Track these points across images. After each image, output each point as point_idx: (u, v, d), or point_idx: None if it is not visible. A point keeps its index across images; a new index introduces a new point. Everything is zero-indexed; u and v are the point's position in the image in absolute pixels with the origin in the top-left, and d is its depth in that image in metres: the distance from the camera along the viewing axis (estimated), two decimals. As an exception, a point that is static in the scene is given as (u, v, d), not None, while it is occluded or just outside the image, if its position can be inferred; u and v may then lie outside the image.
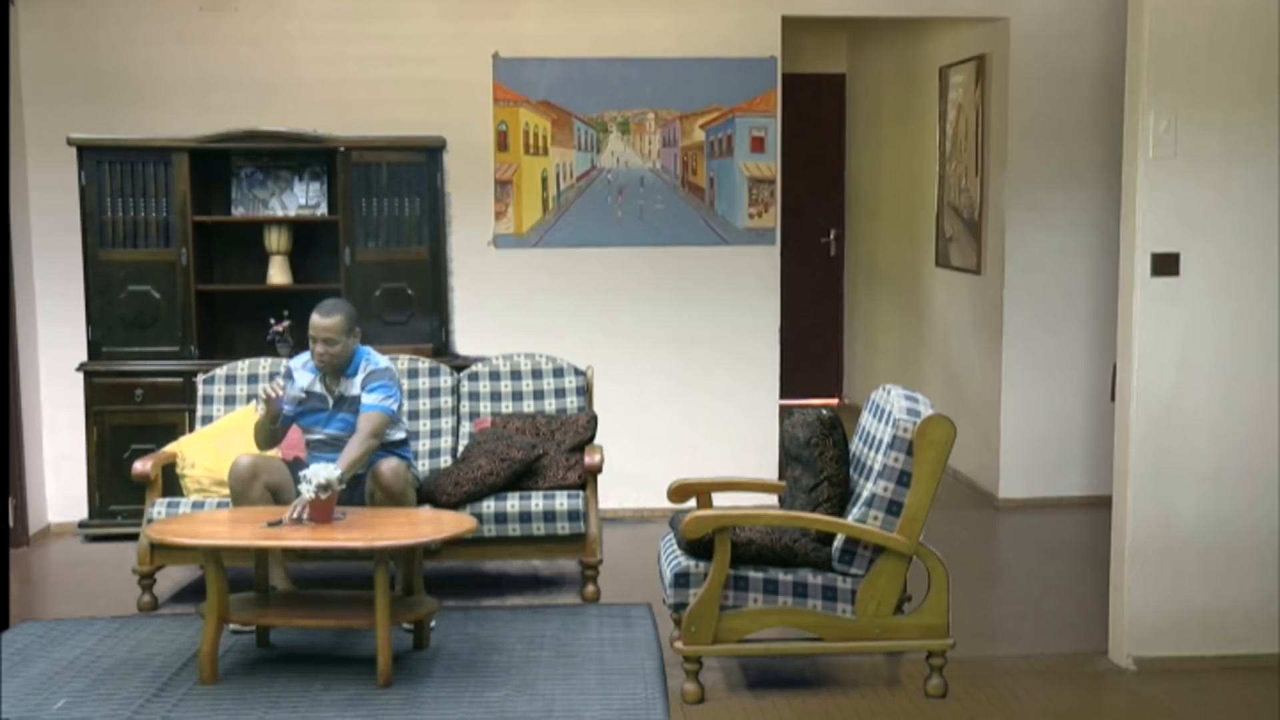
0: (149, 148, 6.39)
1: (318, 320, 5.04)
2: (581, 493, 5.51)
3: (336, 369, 5.13)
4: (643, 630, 5.09)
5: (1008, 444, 7.12)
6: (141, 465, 5.44)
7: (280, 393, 5.03)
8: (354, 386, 5.13)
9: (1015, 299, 7.03)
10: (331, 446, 5.13)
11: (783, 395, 7.15)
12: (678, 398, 6.99)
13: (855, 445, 4.71)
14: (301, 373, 5.18)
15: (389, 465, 4.99)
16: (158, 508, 5.38)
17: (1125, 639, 4.72)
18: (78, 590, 5.84)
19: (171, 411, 6.35)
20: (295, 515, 4.62)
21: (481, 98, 6.78)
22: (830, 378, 10.04)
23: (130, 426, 6.37)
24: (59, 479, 6.75)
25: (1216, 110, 4.55)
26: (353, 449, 4.94)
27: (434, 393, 5.98)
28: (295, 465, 5.14)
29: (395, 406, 5.14)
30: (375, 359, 5.18)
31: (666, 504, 5.07)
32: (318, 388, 5.16)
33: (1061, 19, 6.89)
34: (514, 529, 5.42)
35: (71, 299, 6.52)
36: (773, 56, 6.86)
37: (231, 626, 4.80)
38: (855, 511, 4.41)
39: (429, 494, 5.37)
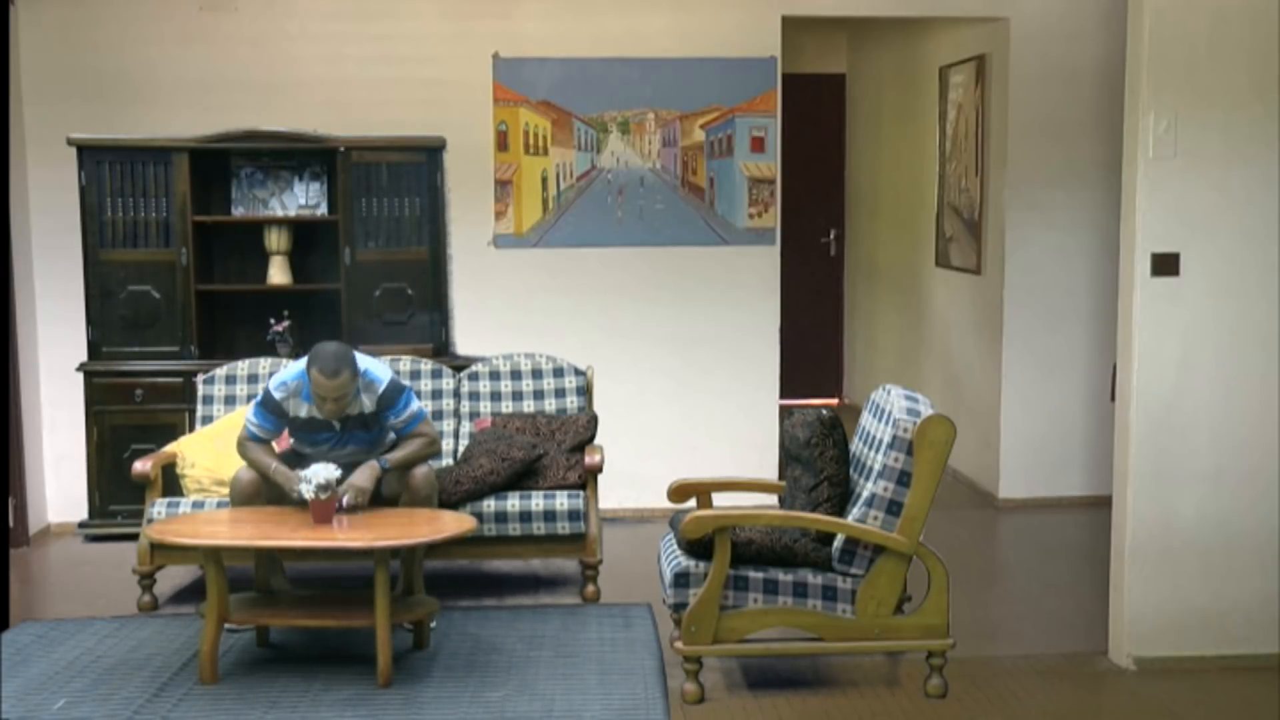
0: (149, 148, 6.39)
1: (325, 382, 4.74)
2: (581, 493, 5.51)
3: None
4: (643, 630, 5.09)
5: (1008, 444, 7.12)
6: (141, 465, 5.44)
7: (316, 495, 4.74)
8: (362, 405, 4.94)
9: (1015, 299, 7.03)
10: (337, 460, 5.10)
11: (783, 395, 7.14)
12: (678, 398, 6.98)
13: (855, 445, 4.70)
14: (295, 400, 4.91)
15: (421, 472, 5.01)
16: (158, 508, 5.38)
17: (1125, 639, 4.72)
18: (78, 590, 5.84)
19: (171, 411, 6.35)
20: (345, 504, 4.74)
21: (481, 98, 6.78)
22: (830, 378, 10.03)
23: (130, 426, 6.37)
24: (59, 479, 6.75)
25: (1216, 110, 4.55)
26: (408, 447, 4.98)
27: (434, 393, 5.98)
28: (291, 458, 5.07)
29: (421, 406, 5.11)
30: (373, 373, 4.94)
31: (666, 504, 5.07)
32: (319, 414, 4.92)
33: (1061, 19, 6.89)
34: (514, 529, 5.42)
35: (71, 299, 6.52)
36: (773, 56, 6.86)
37: (225, 625, 4.78)
38: (855, 511, 4.41)
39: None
